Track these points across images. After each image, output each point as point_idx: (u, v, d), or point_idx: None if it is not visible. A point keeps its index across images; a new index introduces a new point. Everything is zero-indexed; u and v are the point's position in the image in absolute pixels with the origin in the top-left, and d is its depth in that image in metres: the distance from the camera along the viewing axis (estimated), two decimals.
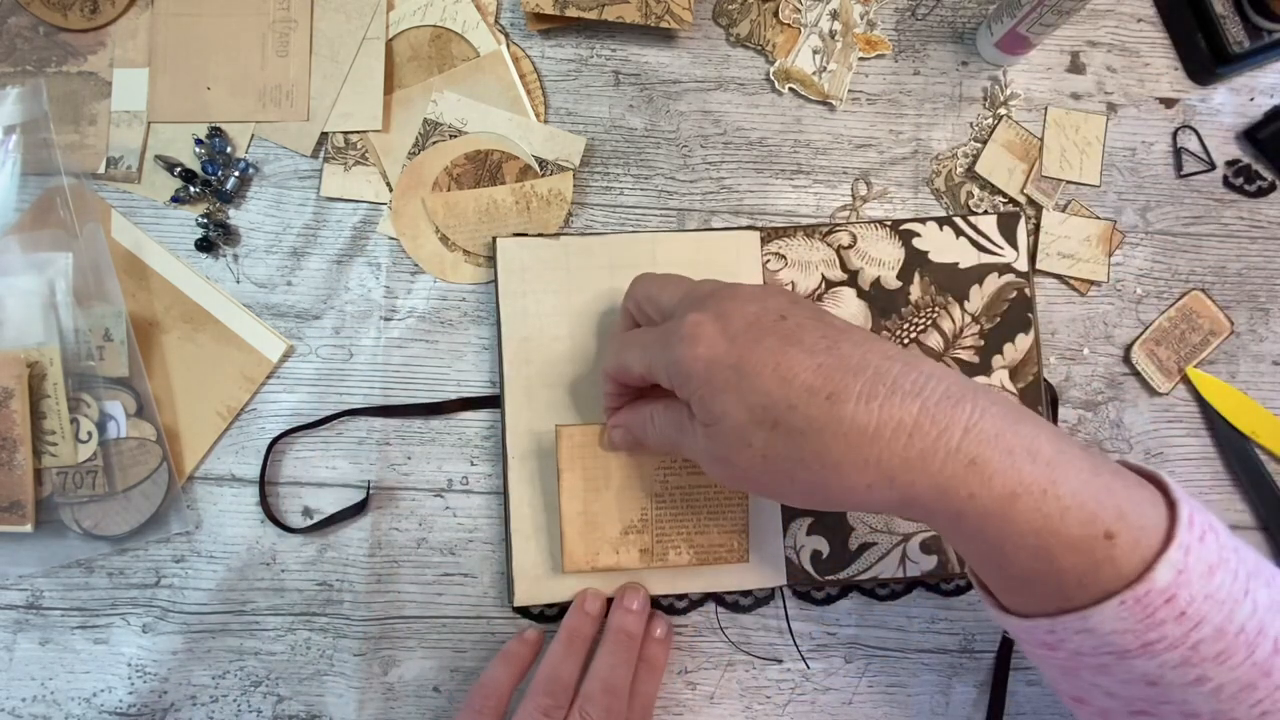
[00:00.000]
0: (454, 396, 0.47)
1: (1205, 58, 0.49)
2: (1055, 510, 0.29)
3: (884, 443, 0.30)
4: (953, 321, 0.47)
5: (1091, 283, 0.49)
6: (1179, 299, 0.49)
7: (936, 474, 0.29)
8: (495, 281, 0.47)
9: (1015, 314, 0.47)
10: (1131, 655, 0.29)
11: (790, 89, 0.49)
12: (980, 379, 0.47)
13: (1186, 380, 0.49)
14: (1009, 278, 0.48)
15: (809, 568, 0.46)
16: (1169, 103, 0.50)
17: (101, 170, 0.47)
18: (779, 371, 0.31)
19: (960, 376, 0.32)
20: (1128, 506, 0.29)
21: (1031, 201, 0.49)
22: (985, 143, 0.49)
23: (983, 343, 0.47)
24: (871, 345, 0.32)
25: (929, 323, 0.47)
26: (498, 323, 0.46)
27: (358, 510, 0.46)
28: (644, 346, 0.37)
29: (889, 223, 0.48)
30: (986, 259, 0.48)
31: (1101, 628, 0.28)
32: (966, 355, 0.47)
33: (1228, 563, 0.28)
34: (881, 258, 0.48)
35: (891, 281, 0.47)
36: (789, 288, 0.47)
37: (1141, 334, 0.49)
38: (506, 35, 0.49)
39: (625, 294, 0.41)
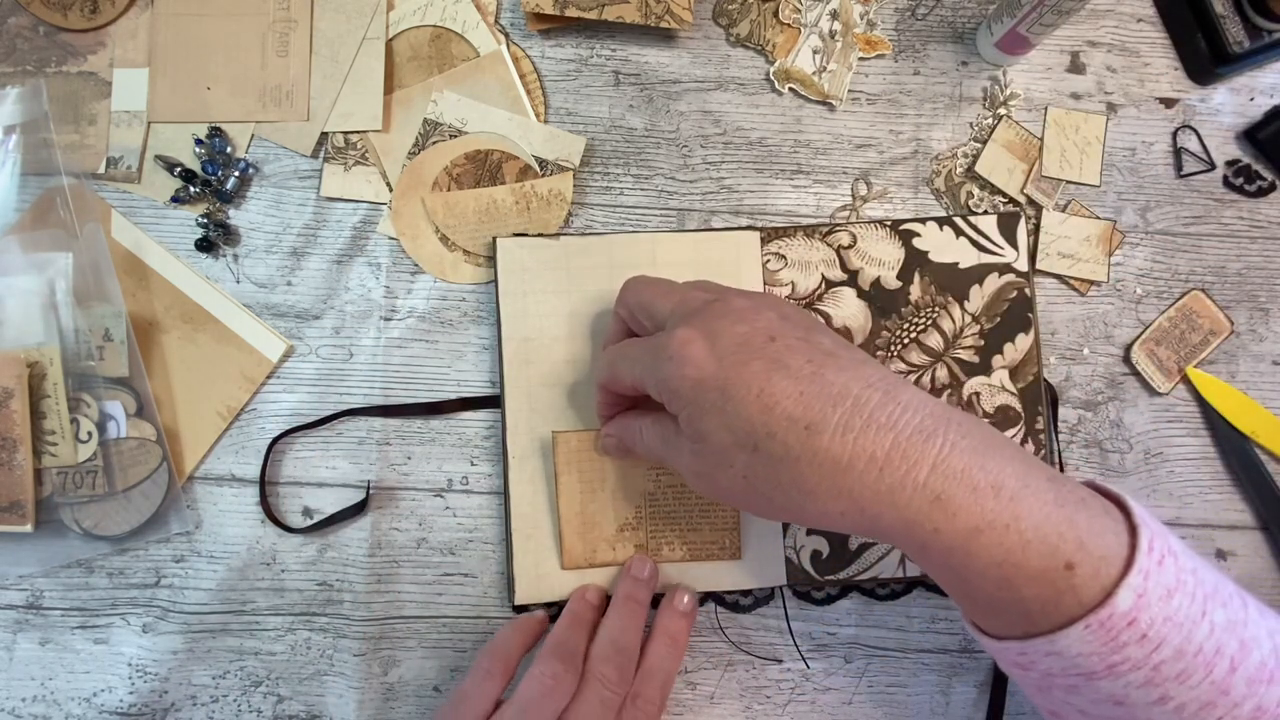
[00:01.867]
0: (454, 396, 0.47)
1: (1205, 58, 0.49)
2: (1017, 544, 0.30)
3: (856, 474, 0.31)
4: (953, 321, 0.47)
5: (1091, 283, 0.49)
6: (1179, 299, 0.49)
7: (904, 508, 0.31)
8: (495, 281, 0.47)
9: (1015, 314, 0.47)
10: (1098, 676, 0.30)
11: (790, 89, 0.49)
12: (980, 379, 0.47)
13: (1186, 380, 0.49)
14: (1009, 277, 0.48)
15: (809, 568, 0.46)
16: (1169, 103, 0.50)
17: (101, 170, 0.47)
18: (762, 398, 0.32)
19: (936, 406, 0.32)
20: (1088, 537, 0.30)
21: (1031, 201, 0.49)
22: (985, 143, 0.49)
23: (983, 343, 0.47)
24: (855, 371, 0.33)
25: (929, 323, 0.47)
26: (498, 323, 0.46)
27: (358, 510, 0.46)
28: (634, 360, 0.37)
29: (889, 223, 0.48)
30: (987, 259, 0.48)
31: (1068, 651, 0.30)
32: (966, 355, 0.47)
33: (1185, 585, 0.30)
34: (881, 258, 0.48)
35: (891, 281, 0.47)
36: (789, 288, 0.47)
37: (1141, 334, 0.49)
38: (506, 35, 0.49)
39: (616, 299, 0.41)
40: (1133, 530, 0.30)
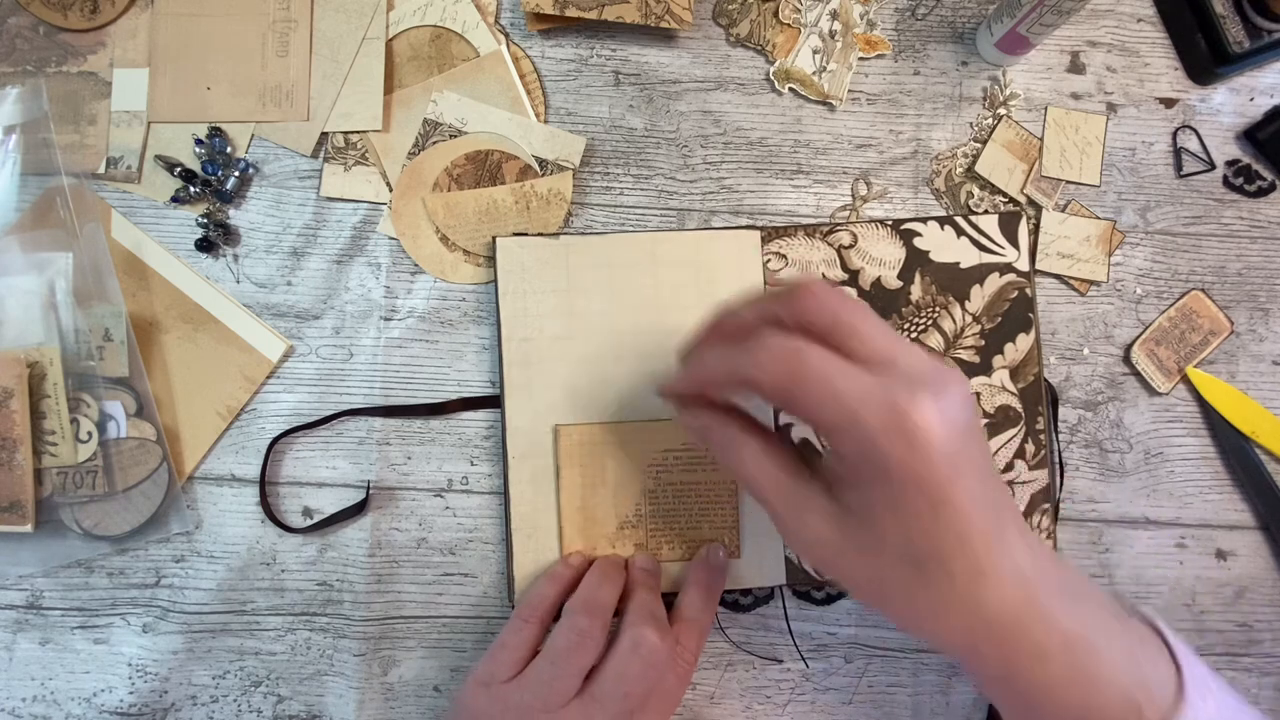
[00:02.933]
0: (454, 396, 0.47)
1: (1205, 58, 0.49)
2: (1098, 695, 0.31)
3: (986, 621, 0.31)
4: (953, 321, 0.47)
5: (1091, 283, 0.49)
6: (1179, 299, 0.49)
7: (1010, 653, 0.31)
8: (495, 281, 0.47)
9: (1016, 314, 0.47)
10: None
11: (790, 89, 0.49)
12: (981, 379, 0.47)
13: (1186, 380, 0.49)
14: (1010, 277, 0.48)
15: (809, 568, 0.46)
16: (1169, 103, 0.50)
17: (101, 170, 0.47)
18: (955, 525, 0.30)
19: (1047, 558, 0.32)
20: (1152, 679, 0.32)
21: (1031, 201, 0.49)
22: (985, 143, 0.49)
23: (983, 343, 0.47)
24: (1012, 510, 0.33)
25: (930, 322, 0.47)
26: (498, 323, 0.46)
27: (358, 510, 0.46)
28: (840, 394, 0.29)
29: (890, 222, 0.48)
30: (988, 259, 0.48)
31: None
32: (967, 355, 0.47)
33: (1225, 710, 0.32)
34: (882, 257, 0.48)
35: (892, 281, 0.47)
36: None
37: (1141, 334, 0.49)
38: (506, 35, 0.49)
39: (789, 294, 0.32)
40: (1175, 661, 0.32)
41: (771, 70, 0.49)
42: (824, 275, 0.47)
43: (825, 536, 0.32)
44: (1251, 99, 0.51)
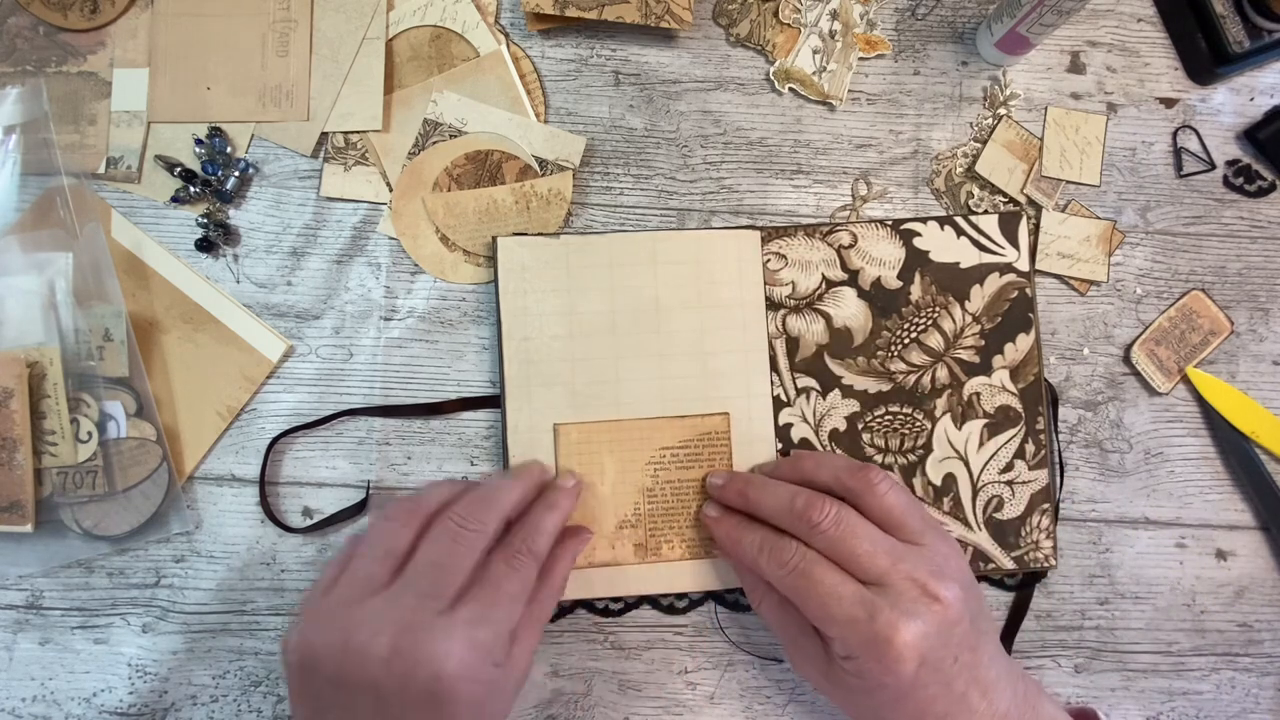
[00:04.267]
0: (454, 396, 0.47)
1: (1205, 58, 0.49)
2: None
3: None
4: (953, 321, 0.47)
5: (1091, 283, 0.49)
6: (1179, 299, 0.49)
7: None
8: (495, 281, 0.47)
9: (1016, 314, 0.47)
10: None
11: (790, 89, 0.49)
12: (981, 379, 0.47)
13: (1186, 380, 0.49)
14: (1010, 277, 0.48)
15: None
16: (1169, 103, 0.50)
17: (101, 170, 0.47)
18: (913, 712, 0.37)
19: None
20: None
21: (1031, 201, 0.49)
22: (985, 143, 0.49)
23: (983, 343, 0.47)
24: (972, 689, 0.37)
25: (929, 322, 0.47)
26: (498, 322, 0.46)
27: (358, 510, 0.46)
28: (831, 610, 0.37)
29: (890, 222, 0.48)
30: (988, 259, 0.48)
31: None
32: (967, 355, 0.47)
33: None
34: (882, 257, 0.48)
35: (892, 281, 0.47)
36: (789, 287, 0.47)
37: (1141, 334, 0.49)
38: (506, 35, 0.49)
39: (863, 477, 0.40)
40: None
41: (771, 70, 0.49)
42: (823, 275, 0.47)
43: (816, 681, 0.40)
44: (1251, 99, 0.51)
